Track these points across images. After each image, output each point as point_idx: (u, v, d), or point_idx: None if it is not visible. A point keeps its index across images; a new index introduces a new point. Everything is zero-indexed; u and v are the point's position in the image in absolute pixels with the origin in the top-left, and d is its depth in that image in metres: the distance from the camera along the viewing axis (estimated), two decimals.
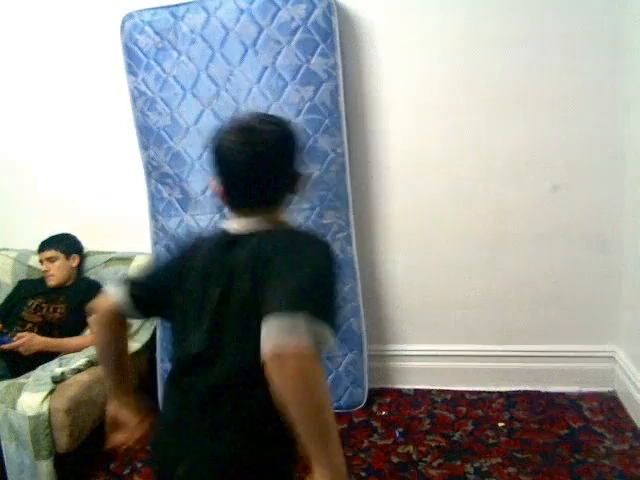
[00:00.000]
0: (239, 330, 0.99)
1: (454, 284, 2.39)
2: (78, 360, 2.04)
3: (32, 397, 1.83)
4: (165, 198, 2.36)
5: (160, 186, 2.36)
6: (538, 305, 2.34)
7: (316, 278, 0.93)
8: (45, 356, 2.09)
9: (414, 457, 2.01)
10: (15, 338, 2.07)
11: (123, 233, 2.51)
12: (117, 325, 1.16)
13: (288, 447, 1.01)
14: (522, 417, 2.19)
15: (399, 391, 2.47)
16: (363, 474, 1.94)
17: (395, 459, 2.01)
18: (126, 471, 2.04)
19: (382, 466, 1.97)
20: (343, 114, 2.20)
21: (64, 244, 2.39)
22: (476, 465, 1.93)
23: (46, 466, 1.82)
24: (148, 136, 2.32)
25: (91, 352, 2.06)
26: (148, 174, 2.38)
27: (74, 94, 2.52)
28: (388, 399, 2.41)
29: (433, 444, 2.07)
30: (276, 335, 0.82)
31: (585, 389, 2.32)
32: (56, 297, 2.29)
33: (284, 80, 2.15)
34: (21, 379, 1.95)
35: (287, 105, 2.16)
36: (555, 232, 2.26)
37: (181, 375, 1.08)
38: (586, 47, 2.09)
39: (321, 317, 0.85)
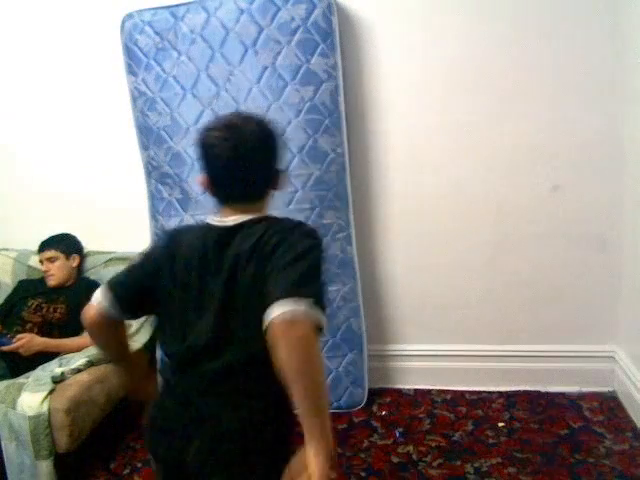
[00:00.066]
0: (246, 317, 1.04)
1: (454, 284, 2.39)
2: (78, 360, 2.04)
3: (32, 397, 1.83)
4: (165, 198, 2.36)
5: (160, 186, 2.36)
6: (538, 305, 2.34)
7: (315, 270, 1.02)
8: (45, 356, 2.09)
9: (414, 457, 2.00)
10: (15, 340, 2.07)
11: (123, 233, 2.51)
12: (108, 328, 1.18)
13: (288, 416, 1.10)
14: (522, 417, 2.19)
15: (399, 391, 2.47)
16: (363, 474, 1.94)
17: (395, 459, 2.01)
18: (126, 471, 2.04)
19: (382, 466, 1.97)
20: (343, 114, 2.20)
21: (64, 244, 2.40)
22: (476, 465, 1.93)
23: (46, 466, 1.82)
24: (148, 136, 2.32)
25: (91, 352, 2.06)
26: (148, 174, 2.39)
27: (74, 94, 2.52)
28: (388, 399, 2.41)
29: (433, 444, 2.07)
30: (284, 310, 0.91)
31: (585, 389, 2.32)
32: (56, 297, 2.29)
33: (284, 80, 2.15)
34: (21, 379, 1.95)
35: (287, 105, 2.16)
36: (555, 232, 2.26)
37: (187, 365, 1.11)
38: (586, 47, 2.09)
39: (319, 305, 0.94)
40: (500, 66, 2.16)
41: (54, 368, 1.98)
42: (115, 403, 2.09)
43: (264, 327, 0.92)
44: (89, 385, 1.96)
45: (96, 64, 2.45)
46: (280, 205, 2.19)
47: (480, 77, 2.18)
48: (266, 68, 2.15)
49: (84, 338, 2.19)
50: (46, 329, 2.20)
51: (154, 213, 2.40)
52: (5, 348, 2.06)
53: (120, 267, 2.35)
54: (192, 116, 2.24)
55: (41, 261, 2.38)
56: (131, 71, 2.28)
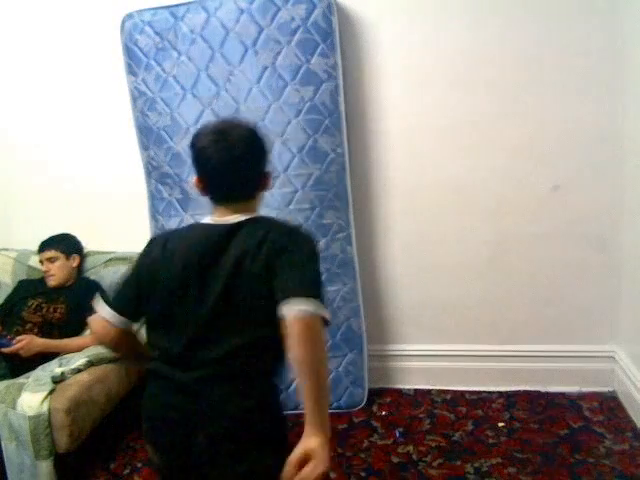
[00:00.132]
0: (250, 306, 1.12)
1: (454, 284, 2.39)
2: (78, 360, 2.03)
3: (32, 397, 1.83)
4: (165, 198, 2.36)
5: (160, 186, 2.36)
6: (538, 305, 2.34)
7: (318, 271, 1.14)
8: (45, 356, 2.09)
9: (414, 457, 2.00)
10: (15, 341, 2.06)
11: (123, 233, 2.50)
12: (117, 335, 1.25)
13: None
14: (522, 417, 2.19)
15: (399, 391, 2.47)
16: (363, 474, 1.94)
17: (395, 459, 2.01)
18: (126, 471, 2.04)
19: (382, 466, 1.97)
20: (343, 114, 2.20)
21: (64, 244, 2.39)
22: (476, 465, 1.93)
23: (46, 466, 1.82)
24: (148, 136, 2.32)
25: (91, 352, 2.06)
26: (148, 174, 2.39)
27: (74, 94, 2.52)
28: (388, 399, 2.41)
29: (433, 444, 2.07)
30: (299, 307, 1.03)
31: (585, 389, 2.32)
32: (56, 297, 2.29)
33: (284, 80, 2.15)
34: (21, 379, 1.95)
35: (287, 105, 2.16)
36: (555, 232, 2.26)
37: (189, 357, 1.14)
38: (586, 47, 2.09)
39: (324, 303, 1.07)
40: (500, 66, 2.16)
41: (54, 368, 1.98)
42: (115, 403, 2.08)
43: (279, 317, 1.04)
44: (89, 385, 1.96)
45: (96, 64, 2.45)
46: (280, 205, 2.19)
47: (480, 77, 2.18)
48: (266, 68, 2.15)
49: (84, 338, 2.19)
50: (46, 329, 2.20)
51: (154, 213, 2.40)
52: (5, 350, 2.05)
53: (120, 267, 2.42)
54: (192, 116, 2.24)
55: (41, 261, 2.38)
56: (131, 71, 2.28)
